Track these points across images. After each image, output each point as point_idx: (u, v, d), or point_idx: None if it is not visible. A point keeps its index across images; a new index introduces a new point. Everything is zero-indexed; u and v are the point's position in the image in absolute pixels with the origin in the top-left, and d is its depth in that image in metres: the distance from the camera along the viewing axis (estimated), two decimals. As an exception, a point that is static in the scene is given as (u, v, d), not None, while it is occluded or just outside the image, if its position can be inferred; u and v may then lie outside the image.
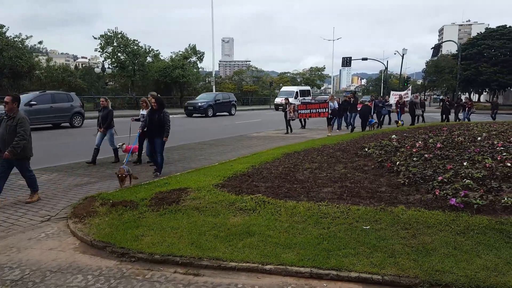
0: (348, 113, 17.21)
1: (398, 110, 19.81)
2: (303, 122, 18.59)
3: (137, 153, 9.11)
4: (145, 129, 7.81)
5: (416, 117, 19.71)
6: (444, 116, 22.41)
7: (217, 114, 27.28)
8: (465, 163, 6.38)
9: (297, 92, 38.28)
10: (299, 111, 16.58)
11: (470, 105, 22.51)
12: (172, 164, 9.05)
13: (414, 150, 7.94)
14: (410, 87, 26.61)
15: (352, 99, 17.47)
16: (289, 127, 16.22)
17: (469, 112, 22.20)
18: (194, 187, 5.89)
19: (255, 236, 4.08)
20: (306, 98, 36.45)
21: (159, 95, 8.59)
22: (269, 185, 5.94)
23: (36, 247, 4.32)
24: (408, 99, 21.36)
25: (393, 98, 24.52)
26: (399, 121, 18.76)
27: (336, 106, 16.42)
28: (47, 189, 6.84)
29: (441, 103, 25.38)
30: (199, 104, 26.28)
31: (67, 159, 9.82)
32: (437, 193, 4.97)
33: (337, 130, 17.24)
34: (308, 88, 44.77)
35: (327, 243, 3.81)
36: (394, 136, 10.73)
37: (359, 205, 4.80)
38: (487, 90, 52.28)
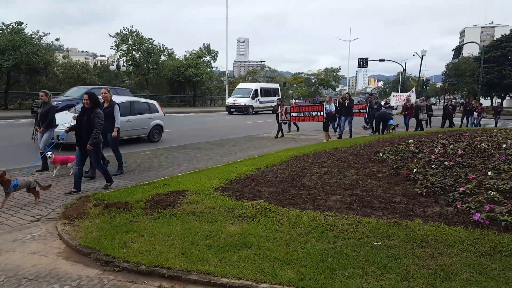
0: (342, 116, 14.84)
1: (406, 113, 17.99)
2: (295, 126, 16.94)
3: (73, 164, 7.03)
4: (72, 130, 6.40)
5: (423, 122, 18.04)
6: (445, 121, 20.59)
7: None
8: (489, 173, 5.84)
9: (256, 90, 30.80)
10: (291, 113, 15.15)
11: (480, 110, 20.75)
12: (177, 164, 8.73)
13: (433, 157, 7.41)
14: (413, 89, 24.99)
15: (347, 101, 14.94)
16: (280, 131, 14.75)
17: (479, 117, 20.66)
18: (193, 190, 5.53)
19: (252, 248, 3.67)
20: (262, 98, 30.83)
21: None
22: (273, 190, 5.53)
23: (18, 249, 4.03)
24: (412, 102, 19.63)
25: (394, 100, 22.72)
26: (391, 125, 17.11)
27: (333, 109, 14.03)
28: (45, 187, 6.60)
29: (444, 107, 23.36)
30: (54, 104, 18.95)
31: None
32: (458, 206, 4.47)
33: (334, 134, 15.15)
34: (275, 86, 36.02)
35: (332, 260, 3.38)
36: (411, 140, 10.17)
37: (371, 216, 4.34)
38: (510, 94, 50.39)
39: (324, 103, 14.10)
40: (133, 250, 3.76)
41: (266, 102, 31.27)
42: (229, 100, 30.84)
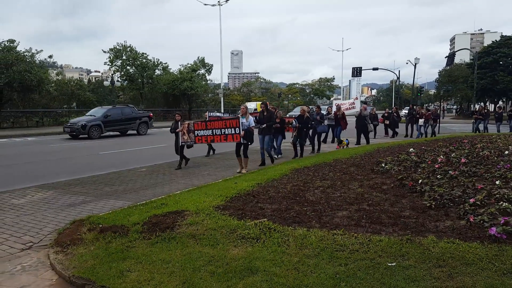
0: (259, 135, 10.66)
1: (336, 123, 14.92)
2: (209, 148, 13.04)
3: None
4: None
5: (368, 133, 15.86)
6: (389, 129, 19.78)
7: None
8: (497, 182, 5.66)
9: None
10: (195, 132, 10.39)
11: (427, 116, 19.00)
12: (174, 181, 8.49)
13: (436, 166, 7.23)
14: (358, 97, 22.82)
15: (264, 113, 10.56)
16: (183, 158, 10.52)
17: (426, 124, 19.01)
18: (192, 210, 5.29)
19: (258, 274, 3.43)
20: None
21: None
22: (275, 207, 5.30)
23: (6, 283, 3.75)
24: (356, 110, 16.86)
25: (335, 109, 20.16)
26: (343, 142, 14.62)
27: (252, 124, 9.77)
28: (38, 210, 6.34)
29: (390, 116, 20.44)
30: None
31: (66, 175, 9.37)
32: (471, 220, 4.27)
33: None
34: None
35: (345, 286, 3.14)
36: (412, 149, 10.01)
37: (381, 233, 4.12)
38: (504, 99, 50.79)
39: (240, 115, 9.85)
40: (131, 280, 3.50)
41: None
42: None
